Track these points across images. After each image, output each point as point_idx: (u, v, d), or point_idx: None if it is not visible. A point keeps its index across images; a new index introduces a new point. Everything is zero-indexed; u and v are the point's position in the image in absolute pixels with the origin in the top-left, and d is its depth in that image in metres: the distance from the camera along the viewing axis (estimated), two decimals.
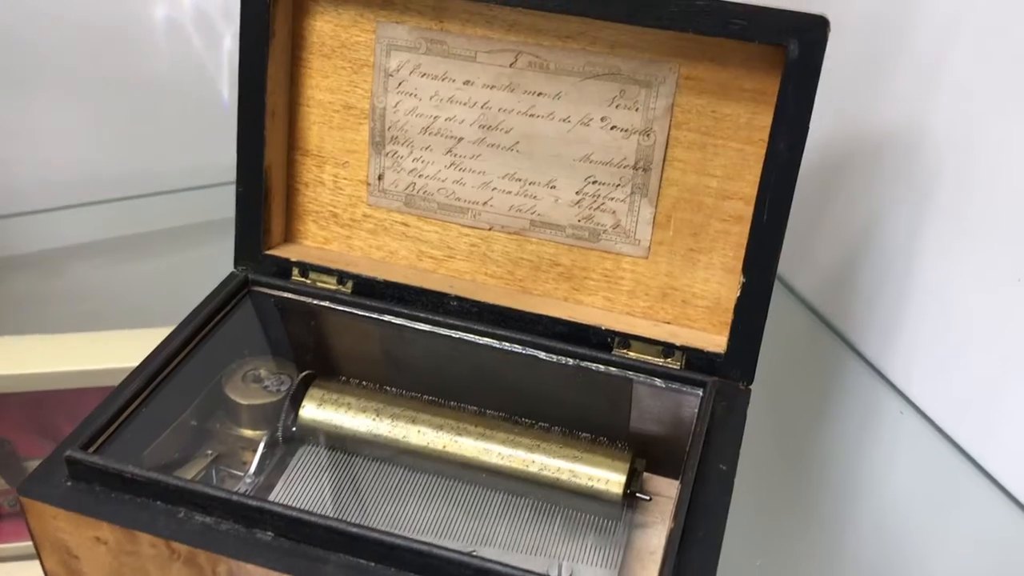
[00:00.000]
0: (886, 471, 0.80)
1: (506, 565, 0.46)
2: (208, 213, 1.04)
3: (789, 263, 0.95)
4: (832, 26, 0.53)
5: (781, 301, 0.95)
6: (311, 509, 0.51)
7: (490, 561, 0.46)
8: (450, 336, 0.63)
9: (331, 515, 0.50)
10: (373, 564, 0.48)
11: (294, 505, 0.53)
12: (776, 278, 0.59)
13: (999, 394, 0.76)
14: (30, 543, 0.52)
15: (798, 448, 0.83)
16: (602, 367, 0.61)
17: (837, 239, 0.90)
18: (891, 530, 0.75)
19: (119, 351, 0.71)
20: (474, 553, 0.47)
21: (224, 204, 0.70)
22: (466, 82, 0.62)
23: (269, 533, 0.49)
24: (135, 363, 0.59)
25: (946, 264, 0.79)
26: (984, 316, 0.76)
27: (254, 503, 0.49)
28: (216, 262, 0.71)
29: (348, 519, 0.54)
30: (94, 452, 0.52)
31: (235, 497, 0.49)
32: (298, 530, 0.49)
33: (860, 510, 0.77)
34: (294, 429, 0.63)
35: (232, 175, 0.65)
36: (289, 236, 0.69)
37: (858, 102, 0.86)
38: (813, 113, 0.55)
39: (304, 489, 0.60)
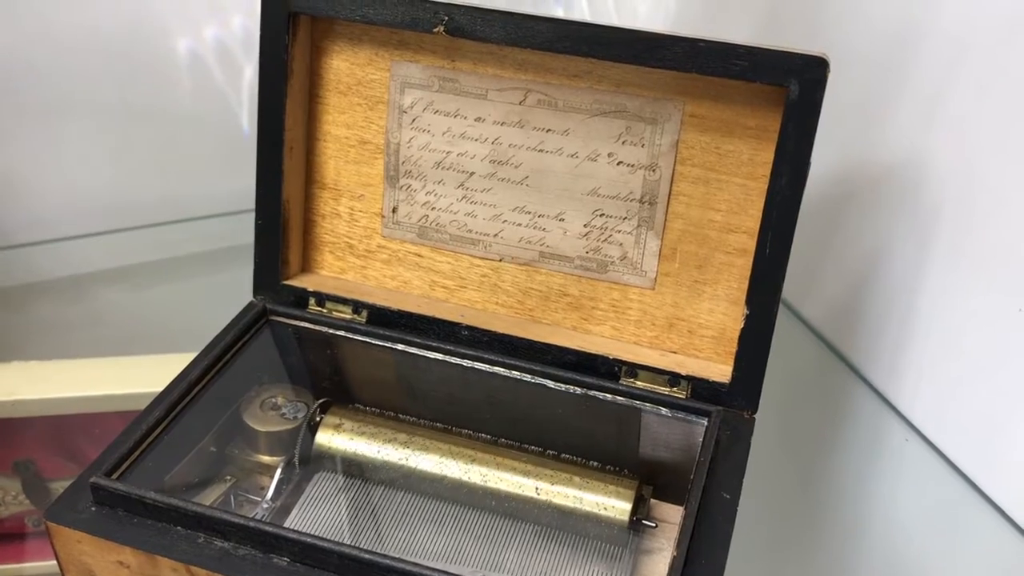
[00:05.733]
0: (890, 498, 0.80)
1: None
2: (228, 239, 1.06)
3: (797, 292, 0.96)
4: (834, 62, 0.54)
5: (789, 329, 0.95)
6: (326, 534, 0.53)
7: None
8: (461, 365, 0.65)
9: (346, 541, 0.51)
10: None
11: (310, 530, 0.55)
12: (784, 306, 0.60)
13: (1002, 421, 0.76)
14: (54, 562, 0.54)
15: (803, 473, 0.83)
16: (609, 396, 0.63)
17: (844, 269, 0.90)
18: (895, 556, 0.75)
19: (141, 376, 0.73)
20: None
21: (243, 231, 0.71)
22: (477, 119, 0.63)
23: (285, 559, 0.50)
24: (156, 388, 0.60)
25: (949, 293, 0.79)
26: (987, 345, 0.76)
27: (271, 529, 0.50)
28: (236, 287, 0.72)
29: (362, 544, 0.55)
30: (117, 478, 0.54)
31: (252, 523, 0.51)
32: (313, 556, 0.50)
33: (864, 536, 0.77)
34: (311, 455, 0.64)
35: (251, 202, 0.67)
36: (306, 266, 0.70)
37: (861, 136, 0.86)
38: (818, 147, 0.56)
39: (320, 514, 0.61)
